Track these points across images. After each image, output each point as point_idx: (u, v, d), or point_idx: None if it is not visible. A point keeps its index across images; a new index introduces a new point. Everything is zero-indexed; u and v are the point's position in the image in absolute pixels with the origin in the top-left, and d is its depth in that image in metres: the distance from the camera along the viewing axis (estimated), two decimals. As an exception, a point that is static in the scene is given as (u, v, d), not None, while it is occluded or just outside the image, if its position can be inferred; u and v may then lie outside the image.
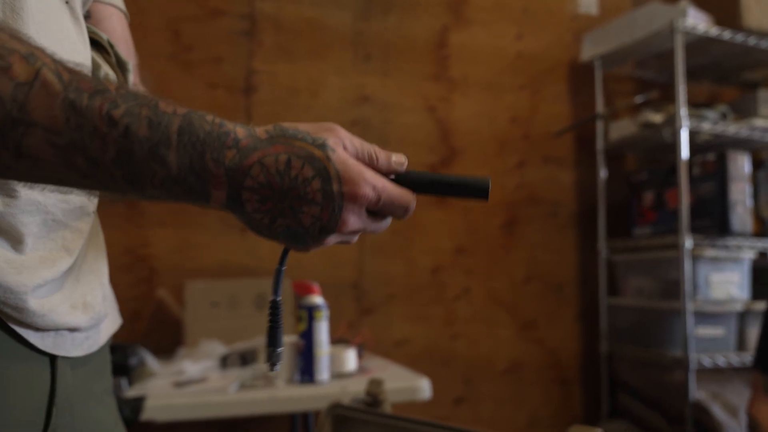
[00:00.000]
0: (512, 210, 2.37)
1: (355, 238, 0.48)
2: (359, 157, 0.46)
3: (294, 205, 0.41)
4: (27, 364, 0.51)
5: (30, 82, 0.35)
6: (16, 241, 0.48)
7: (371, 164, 0.46)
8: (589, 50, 2.38)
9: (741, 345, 2.07)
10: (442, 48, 2.34)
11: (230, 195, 0.40)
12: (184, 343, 1.76)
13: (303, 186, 0.41)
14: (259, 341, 1.63)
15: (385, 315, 2.17)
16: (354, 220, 0.44)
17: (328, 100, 2.19)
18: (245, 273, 1.97)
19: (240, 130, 0.41)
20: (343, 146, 0.44)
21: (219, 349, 1.63)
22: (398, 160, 0.48)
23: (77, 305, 0.57)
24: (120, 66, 0.66)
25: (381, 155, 0.47)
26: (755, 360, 1.47)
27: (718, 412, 1.90)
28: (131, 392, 1.24)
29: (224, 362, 1.55)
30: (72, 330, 0.56)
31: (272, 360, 0.51)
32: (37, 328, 0.52)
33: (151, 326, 1.90)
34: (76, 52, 0.57)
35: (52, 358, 0.54)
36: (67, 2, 0.57)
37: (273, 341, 0.52)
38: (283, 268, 0.52)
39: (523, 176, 2.40)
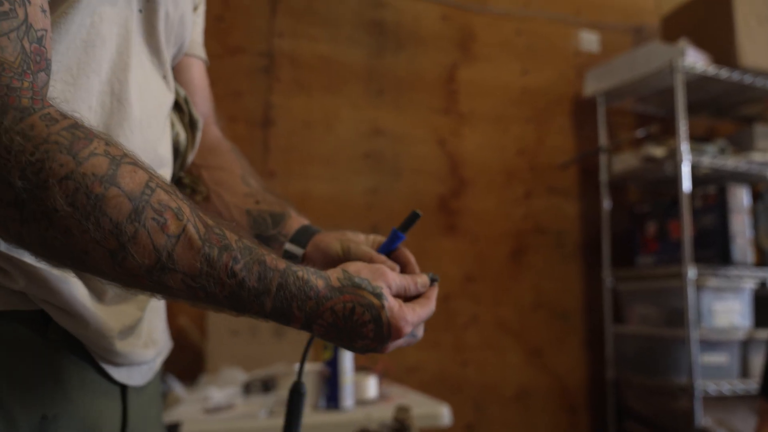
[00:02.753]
0: (519, 239, 2.44)
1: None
2: (400, 293, 0.56)
3: (351, 337, 0.52)
4: (108, 395, 0.58)
5: (178, 236, 0.43)
6: (99, 294, 0.55)
7: (408, 292, 0.57)
8: (591, 86, 2.48)
9: (744, 372, 2.13)
10: (451, 83, 2.43)
11: (303, 327, 0.51)
12: (206, 371, 1.80)
13: (360, 327, 0.51)
14: (279, 369, 1.67)
15: (397, 342, 2.21)
16: (394, 346, 0.55)
17: (343, 133, 2.27)
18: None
19: (320, 282, 0.50)
20: (389, 287, 0.54)
21: (240, 376, 1.68)
22: (423, 281, 0.59)
23: (148, 343, 0.63)
24: (191, 124, 0.72)
25: (412, 285, 0.58)
26: (761, 388, 1.53)
27: (724, 438, 1.95)
28: (166, 418, 1.29)
29: (247, 389, 1.59)
30: (140, 364, 0.63)
31: None
32: (117, 364, 0.58)
33: (171, 354, 1.94)
34: (163, 121, 0.64)
35: (122, 388, 0.61)
36: (164, 77, 0.63)
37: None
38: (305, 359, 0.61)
39: (529, 206, 2.47)
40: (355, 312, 0.51)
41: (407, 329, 0.53)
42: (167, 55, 0.64)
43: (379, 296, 0.52)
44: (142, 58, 0.59)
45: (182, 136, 0.72)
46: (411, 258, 0.63)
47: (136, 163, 0.43)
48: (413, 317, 0.54)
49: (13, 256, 0.47)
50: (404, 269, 0.62)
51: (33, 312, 0.50)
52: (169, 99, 0.65)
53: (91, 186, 0.40)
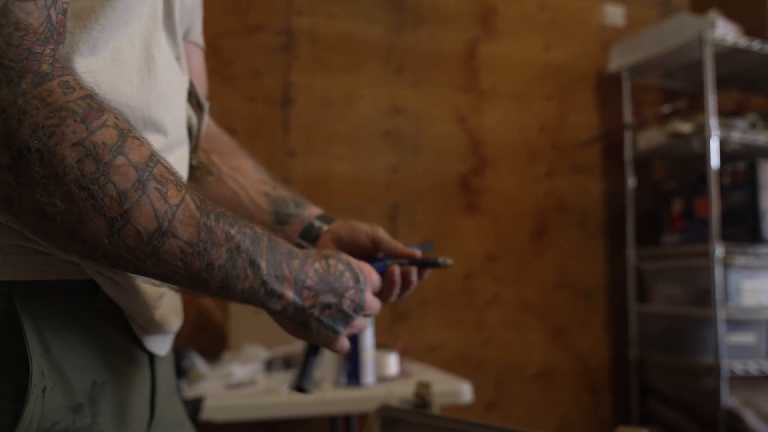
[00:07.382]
0: (541, 218, 2.41)
1: (364, 329, 0.64)
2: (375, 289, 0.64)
3: (337, 290, 0.57)
4: (142, 364, 0.60)
5: (178, 204, 0.45)
6: None
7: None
8: (616, 61, 2.41)
9: (772, 352, 2.09)
10: (472, 59, 2.39)
11: (295, 293, 0.54)
12: (229, 348, 1.82)
13: (340, 276, 0.57)
14: (300, 346, 1.69)
15: (418, 320, 2.22)
16: (371, 298, 0.60)
17: (363, 112, 2.25)
18: (284, 280, 2.03)
19: (294, 247, 0.56)
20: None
21: (262, 353, 1.69)
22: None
23: (174, 313, 0.65)
24: (199, 107, 0.73)
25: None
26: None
27: (751, 418, 1.92)
28: (189, 393, 1.31)
29: (269, 366, 1.60)
30: (170, 333, 0.65)
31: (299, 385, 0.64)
32: (152, 333, 0.60)
33: (193, 331, 1.97)
34: (183, 100, 0.66)
35: (151, 357, 0.62)
36: (177, 59, 0.64)
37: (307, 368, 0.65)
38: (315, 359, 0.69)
39: (551, 185, 2.43)
40: (330, 264, 0.57)
41: (374, 275, 0.62)
42: (180, 37, 0.65)
43: (337, 252, 0.60)
44: (162, 38, 0.60)
45: (194, 118, 0.73)
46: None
47: (141, 138, 0.45)
48: (375, 272, 0.63)
49: None
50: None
51: (83, 282, 0.51)
52: (184, 80, 0.67)
53: (101, 153, 0.41)
